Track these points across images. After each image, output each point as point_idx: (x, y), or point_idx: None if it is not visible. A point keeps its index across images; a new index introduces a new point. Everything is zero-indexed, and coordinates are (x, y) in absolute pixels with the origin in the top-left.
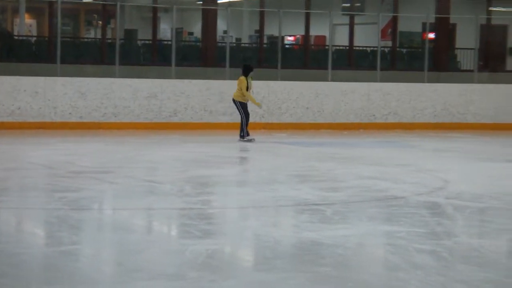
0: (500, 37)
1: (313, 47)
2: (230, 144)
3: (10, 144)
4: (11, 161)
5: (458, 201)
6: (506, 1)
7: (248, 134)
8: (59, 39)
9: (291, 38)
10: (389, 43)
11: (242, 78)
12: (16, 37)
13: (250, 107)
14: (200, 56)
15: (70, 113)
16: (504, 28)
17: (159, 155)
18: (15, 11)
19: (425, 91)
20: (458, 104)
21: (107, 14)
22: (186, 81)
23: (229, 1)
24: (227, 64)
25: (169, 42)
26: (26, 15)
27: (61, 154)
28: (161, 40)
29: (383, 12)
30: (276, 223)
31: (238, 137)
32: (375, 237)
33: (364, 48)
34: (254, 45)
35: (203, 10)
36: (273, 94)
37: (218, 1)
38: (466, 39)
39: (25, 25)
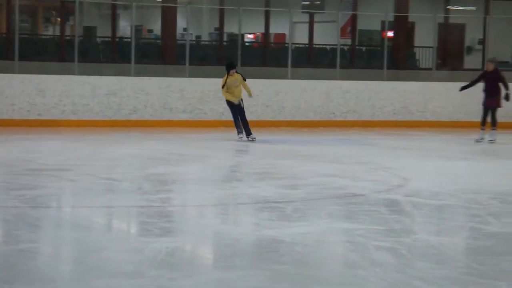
0: (458, 36)
1: (272, 45)
2: (189, 141)
3: None
4: None
5: (416, 198)
6: (463, 0)
7: (238, 133)
8: (17, 36)
9: (251, 36)
10: (349, 41)
11: (224, 77)
12: None
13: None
14: (160, 53)
15: (28, 111)
16: (462, 27)
17: (118, 153)
18: None
19: (384, 89)
20: (417, 102)
21: (65, 11)
22: (145, 78)
23: None
24: (187, 61)
25: (129, 40)
26: None
27: (19, 151)
28: (120, 38)
29: (342, 11)
30: (235, 221)
31: (239, 137)
32: (334, 234)
33: (324, 46)
34: (214, 42)
35: (163, 8)
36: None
37: None
38: (425, 37)
39: None
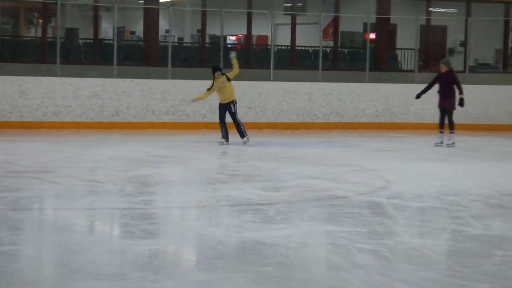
0: (439, 38)
1: (255, 46)
2: (172, 143)
3: None
4: None
5: (399, 200)
6: (445, 2)
7: (221, 136)
8: None
9: (233, 38)
10: (331, 43)
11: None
12: None
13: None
14: (142, 55)
15: (10, 112)
16: (443, 29)
17: (101, 155)
18: None
19: (366, 90)
20: (399, 104)
21: (47, 12)
22: (128, 80)
23: (171, 1)
24: (169, 63)
25: (111, 41)
26: None
27: (0, 153)
28: (102, 39)
29: (324, 12)
30: (218, 223)
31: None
32: (317, 236)
33: (306, 48)
34: (196, 44)
35: (145, 9)
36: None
37: (160, 0)
38: (407, 39)
39: None
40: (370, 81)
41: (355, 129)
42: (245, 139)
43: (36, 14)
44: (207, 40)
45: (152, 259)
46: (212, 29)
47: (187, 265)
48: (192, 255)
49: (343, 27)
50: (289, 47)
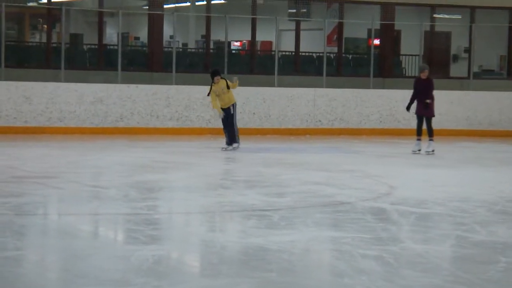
0: (443, 44)
1: (259, 52)
2: (176, 149)
3: None
4: None
5: (403, 206)
6: (449, 9)
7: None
8: (3, 43)
9: (238, 44)
10: (335, 49)
11: (211, 84)
12: None
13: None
14: (147, 61)
15: (14, 118)
16: (447, 35)
17: (105, 160)
18: None
19: (370, 96)
20: (403, 110)
21: (52, 18)
22: (132, 86)
23: (175, 6)
24: (174, 69)
25: (115, 47)
26: None
27: (4, 159)
28: (107, 45)
29: (328, 18)
30: (222, 229)
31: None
32: (321, 242)
33: (310, 54)
34: (200, 50)
35: (149, 15)
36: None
37: (165, 6)
38: (411, 45)
39: None
40: (374, 87)
41: (359, 135)
42: (236, 145)
43: (40, 19)
44: (212, 46)
45: (156, 264)
46: (217, 35)
47: (191, 271)
48: (196, 261)
49: (347, 33)
50: (293, 53)
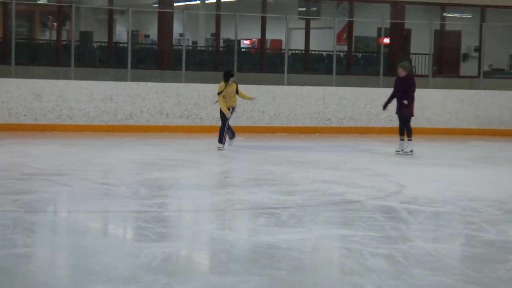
0: (454, 43)
1: (269, 51)
2: (186, 147)
3: None
4: None
5: (412, 205)
6: (459, 8)
7: (224, 141)
8: (13, 40)
9: (247, 42)
10: (345, 48)
11: (221, 83)
12: None
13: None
14: (156, 58)
15: (25, 115)
16: (457, 34)
17: (114, 158)
18: None
19: (380, 95)
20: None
21: (62, 15)
22: (142, 83)
23: (185, 4)
24: (183, 67)
25: (125, 45)
26: None
27: (14, 156)
28: (117, 43)
29: (338, 17)
30: (231, 227)
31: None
32: (330, 240)
33: (320, 53)
34: (210, 48)
35: (159, 13)
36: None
37: (174, 4)
38: (421, 44)
39: None
40: (384, 86)
41: (369, 134)
42: (221, 146)
43: (51, 17)
44: (221, 44)
45: (166, 262)
46: (226, 33)
47: (200, 269)
48: (205, 259)
49: (357, 31)
50: (303, 52)
